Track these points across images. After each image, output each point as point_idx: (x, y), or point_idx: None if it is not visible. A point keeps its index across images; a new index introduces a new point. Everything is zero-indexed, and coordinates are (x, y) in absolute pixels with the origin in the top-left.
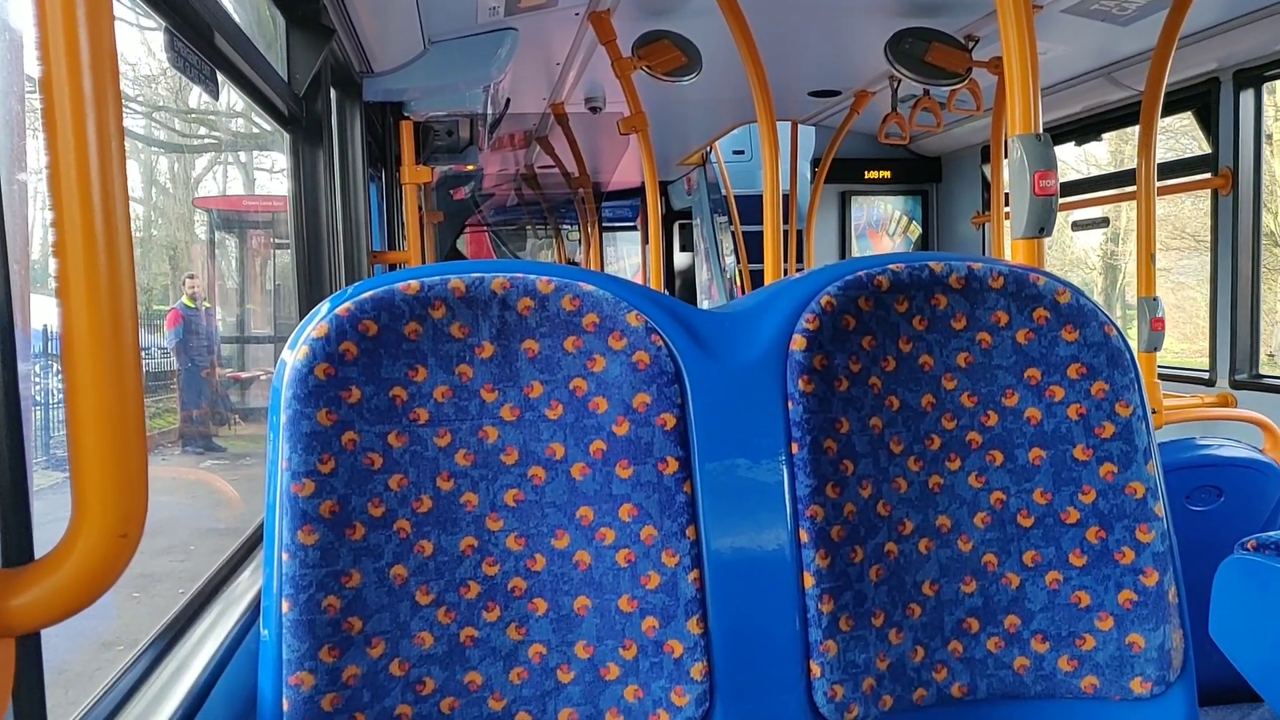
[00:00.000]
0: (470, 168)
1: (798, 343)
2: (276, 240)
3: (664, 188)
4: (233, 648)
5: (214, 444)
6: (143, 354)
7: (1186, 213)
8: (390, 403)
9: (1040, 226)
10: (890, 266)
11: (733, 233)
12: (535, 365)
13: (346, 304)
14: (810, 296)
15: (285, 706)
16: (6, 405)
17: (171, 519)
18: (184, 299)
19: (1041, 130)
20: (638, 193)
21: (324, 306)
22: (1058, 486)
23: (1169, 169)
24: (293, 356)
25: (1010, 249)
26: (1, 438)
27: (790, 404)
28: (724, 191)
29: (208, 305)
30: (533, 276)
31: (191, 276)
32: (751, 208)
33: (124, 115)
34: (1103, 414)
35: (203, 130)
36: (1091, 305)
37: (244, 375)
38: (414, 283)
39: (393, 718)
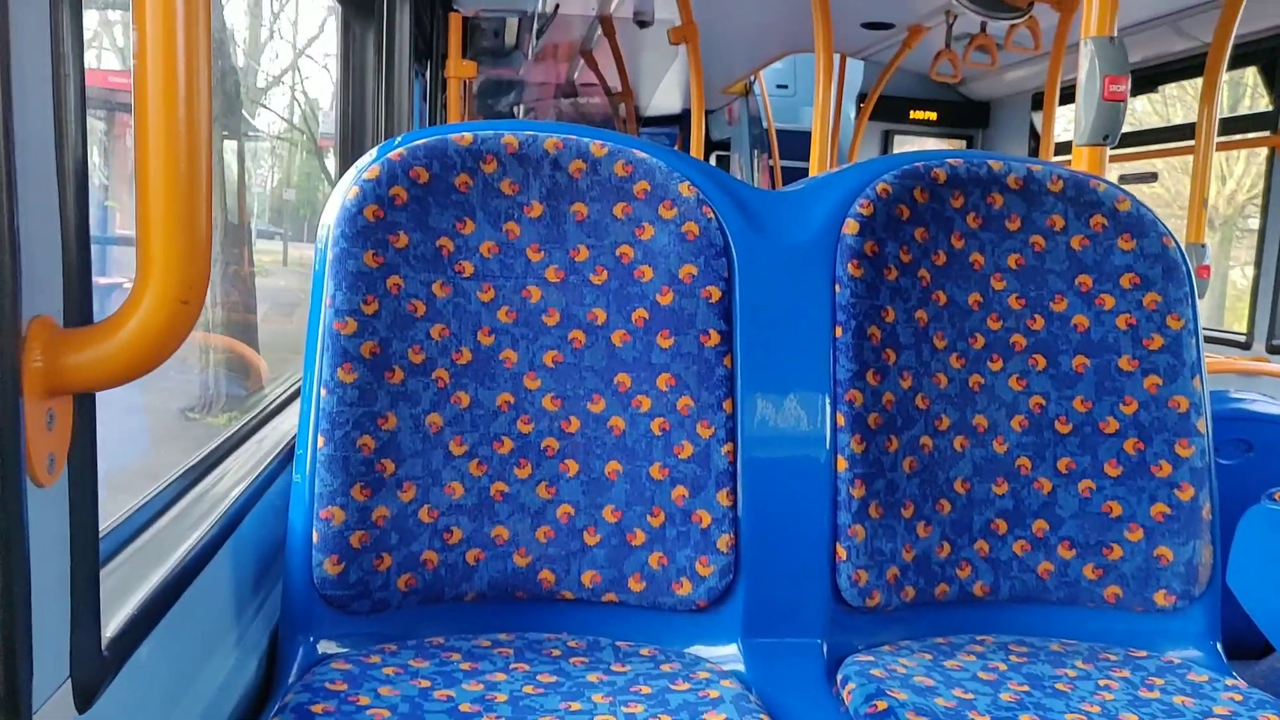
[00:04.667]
0: (513, 73)
1: (850, 226)
2: None
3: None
4: (262, 488)
5: None
6: None
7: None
8: (437, 252)
9: (1105, 134)
10: (949, 160)
11: (770, 168)
12: (583, 229)
13: (399, 149)
14: (866, 183)
15: (315, 539)
16: (76, 172)
17: None
18: None
19: (1115, 33)
20: (675, 121)
21: (375, 151)
22: (1099, 395)
23: (1227, 125)
24: (343, 195)
25: (1073, 158)
26: (68, 203)
27: (838, 287)
28: (765, 125)
29: None
30: (586, 139)
31: None
32: (791, 143)
33: None
34: (1153, 325)
35: None
36: (1151, 216)
37: (102, 281)
38: (467, 135)
39: (419, 563)
